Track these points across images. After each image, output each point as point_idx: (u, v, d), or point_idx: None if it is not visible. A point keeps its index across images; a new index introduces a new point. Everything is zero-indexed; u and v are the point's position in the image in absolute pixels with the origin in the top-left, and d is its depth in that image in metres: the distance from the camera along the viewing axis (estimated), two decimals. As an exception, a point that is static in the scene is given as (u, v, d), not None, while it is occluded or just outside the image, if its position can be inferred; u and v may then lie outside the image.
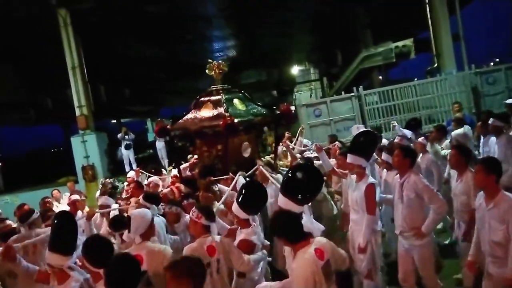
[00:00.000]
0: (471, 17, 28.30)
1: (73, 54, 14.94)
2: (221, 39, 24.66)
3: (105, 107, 20.81)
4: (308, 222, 3.69)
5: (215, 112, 6.50)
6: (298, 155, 7.10)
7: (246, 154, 6.51)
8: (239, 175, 5.41)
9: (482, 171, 3.67)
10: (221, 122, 6.07)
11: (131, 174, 9.12)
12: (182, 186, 6.25)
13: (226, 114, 6.24)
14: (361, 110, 13.18)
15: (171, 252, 3.80)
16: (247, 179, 5.43)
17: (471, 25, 26.00)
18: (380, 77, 22.72)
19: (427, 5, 15.01)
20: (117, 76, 25.70)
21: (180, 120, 6.81)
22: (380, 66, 20.36)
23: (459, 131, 7.48)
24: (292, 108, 10.11)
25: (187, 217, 4.51)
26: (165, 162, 14.84)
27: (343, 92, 14.73)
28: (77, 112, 15.29)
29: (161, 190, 6.84)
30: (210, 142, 6.62)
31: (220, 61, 7.14)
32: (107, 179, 9.03)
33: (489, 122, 6.44)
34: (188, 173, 7.24)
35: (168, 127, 6.82)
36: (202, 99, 6.89)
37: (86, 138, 15.27)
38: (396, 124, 8.09)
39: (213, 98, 6.74)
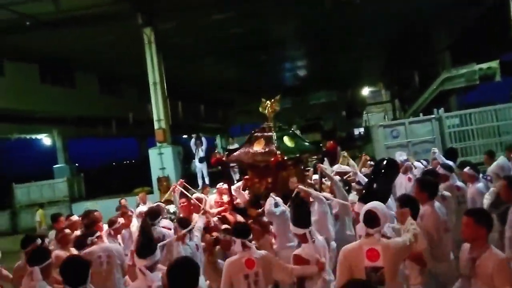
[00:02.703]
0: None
1: (155, 71, 15.66)
2: (293, 59, 24.96)
3: (181, 122, 21.68)
4: None
5: (266, 148, 7.15)
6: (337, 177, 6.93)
7: (293, 185, 6.78)
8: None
9: None
10: (272, 159, 6.69)
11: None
12: (234, 214, 6.69)
13: (277, 151, 6.84)
14: (441, 132, 12.74)
15: None
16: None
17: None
18: (458, 101, 21.82)
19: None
20: (194, 93, 26.70)
21: (235, 153, 7.54)
22: (459, 90, 19.64)
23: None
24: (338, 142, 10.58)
25: None
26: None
27: (421, 114, 14.31)
28: (156, 126, 15.93)
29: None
30: (261, 174, 7.28)
31: (272, 100, 7.61)
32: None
33: None
34: (242, 192, 7.61)
35: (223, 159, 7.54)
36: (256, 134, 7.56)
37: (163, 150, 15.86)
38: (437, 151, 7.74)
39: (265, 134, 7.40)
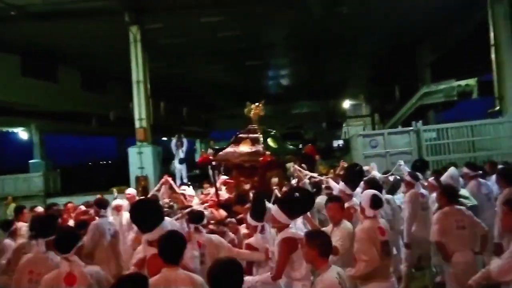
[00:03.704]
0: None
1: (139, 69, 15.64)
2: (279, 67, 25.17)
3: (162, 123, 21.58)
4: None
5: (253, 148, 7.42)
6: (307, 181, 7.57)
7: (274, 185, 7.25)
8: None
9: None
10: (261, 159, 6.96)
11: (130, 191, 8.70)
12: (221, 210, 6.95)
13: (266, 152, 7.15)
14: (419, 145, 13.04)
15: None
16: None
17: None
18: (436, 117, 22.35)
19: (493, 47, 14.79)
20: (177, 95, 26.59)
21: (221, 153, 7.74)
22: (438, 105, 20.11)
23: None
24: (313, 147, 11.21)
25: (231, 234, 5.59)
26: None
27: (399, 126, 14.64)
28: (137, 124, 15.88)
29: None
30: (246, 174, 7.54)
31: (257, 104, 7.91)
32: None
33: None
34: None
35: (210, 157, 7.78)
36: (241, 135, 7.79)
37: (143, 150, 15.80)
38: (403, 163, 8.13)
39: (251, 135, 7.66)
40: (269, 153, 7.10)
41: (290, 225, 4.37)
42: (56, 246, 3.90)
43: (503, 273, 3.72)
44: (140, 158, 15.81)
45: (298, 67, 25.03)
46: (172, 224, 5.15)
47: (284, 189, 6.78)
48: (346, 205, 5.33)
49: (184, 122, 30.78)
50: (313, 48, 19.98)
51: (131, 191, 8.76)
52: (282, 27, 17.37)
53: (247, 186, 7.45)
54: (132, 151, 15.98)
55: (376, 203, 4.41)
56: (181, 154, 16.02)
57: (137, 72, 15.66)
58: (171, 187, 8.00)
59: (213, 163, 7.85)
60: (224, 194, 7.72)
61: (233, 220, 6.07)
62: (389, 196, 6.32)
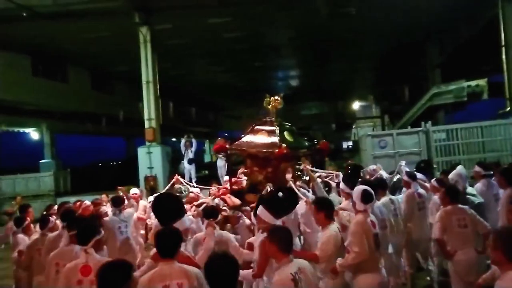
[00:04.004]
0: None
1: (149, 70, 15.70)
2: (286, 68, 25.16)
3: (171, 123, 21.66)
4: None
5: (269, 140, 7.47)
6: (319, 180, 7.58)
7: (287, 177, 7.24)
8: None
9: None
10: (277, 150, 7.04)
11: (135, 191, 8.90)
12: (232, 197, 7.20)
13: (282, 144, 7.20)
14: (428, 145, 12.96)
15: None
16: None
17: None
18: (446, 118, 22.19)
19: (503, 48, 14.66)
20: (186, 95, 26.66)
21: (237, 142, 7.81)
22: (448, 107, 19.95)
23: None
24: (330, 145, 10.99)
25: (247, 220, 5.80)
26: (223, 180, 15.11)
27: (409, 127, 14.56)
28: (146, 125, 15.95)
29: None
30: (261, 164, 7.59)
31: (276, 97, 7.97)
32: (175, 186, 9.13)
33: None
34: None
35: (226, 146, 7.84)
36: (258, 127, 7.85)
37: (152, 149, 15.87)
38: (403, 163, 8.03)
39: (267, 127, 7.72)
40: (285, 145, 7.18)
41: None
42: (76, 238, 4.18)
43: None
44: (149, 158, 15.87)
45: (306, 68, 25.01)
46: (192, 221, 5.41)
47: (298, 183, 6.95)
48: (345, 203, 5.70)
49: (192, 122, 30.88)
50: (320, 49, 19.96)
51: (136, 191, 8.93)
52: (289, 28, 17.37)
53: (260, 177, 7.53)
54: (141, 151, 16.05)
55: (366, 197, 4.60)
56: (190, 154, 16.06)
57: (147, 72, 15.71)
58: (181, 185, 8.31)
59: (228, 151, 7.92)
60: (244, 183, 8.03)
61: (248, 208, 6.19)
62: (393, 196, 6.33)
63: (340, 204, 5.91)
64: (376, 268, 4.53)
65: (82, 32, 16.12)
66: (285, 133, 7.80)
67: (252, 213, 5.48)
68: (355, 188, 4.88)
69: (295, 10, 15.38)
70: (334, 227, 4.56)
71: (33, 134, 23.91)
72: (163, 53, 16.49)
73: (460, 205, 5.28)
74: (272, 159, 7.27)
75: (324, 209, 4.62)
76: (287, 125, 8.23)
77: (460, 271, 5.03)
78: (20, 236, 6.30)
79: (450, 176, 7.04)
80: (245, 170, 8.15)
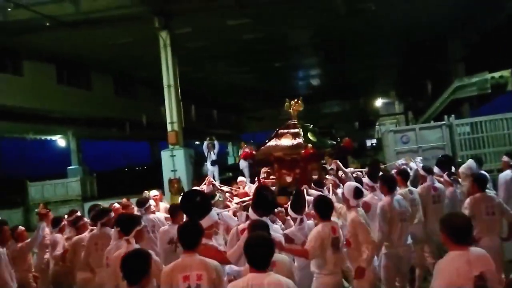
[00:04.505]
0: None
1: (170, 73, 15.87)
2: (307, 67, 25.09)
3: (193, 126, 21.83)
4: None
5: (294, 142, 7.77)
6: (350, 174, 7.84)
7: (315, 176, 7.65)
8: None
9: None
10: (303, 151, 7.35)
11: (155, 192, 8.88)
12: None
13: (308, 145, 7.48)
14: (452, 139, 12.71)
15: None
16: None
17: None
18: (471, 112, 21.73)
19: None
20: (207, 98, 26.86)
21: (263, 147, 8.17)
22: (472, 100, 19.52)
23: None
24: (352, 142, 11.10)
25: (280, 223, 5.73)
26: (247, 180, 15.19)
27: (432, 121, 14.32)
28: (169, 128, 16.11)
29: None
30: (288, 167, 7.88)
31: (296, 100, 8.27)
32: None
33: None
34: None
35: (253, 152, 8.30)
36: (282, 131, 8.13)
37: (175, 152, 16.02)
38: (419, 159, 8.41)
39: (291, 130, 8.01)
40: (310, 146, 7.44)
41: None
42: (120, 229, 4.62)
43: None
44: (173, 161, 16.03)
45: (326, 67, 24.90)
46: (224, 215, 5.50)
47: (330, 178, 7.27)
48: (369, 196, 6.13)
49: (215, 125, 31.07)
50: (340, 47, 19.83)
51: (156, 192, 8.99)
52: (308, 27, 17.34)
53: (289, 179, 7.80)
54: (164, 154, 16.23)
55: (357, 194, 5.03)
56: (213, 156, 16.24)
57: (168, 76, 15.89)
58: (214, 186, 8.63)
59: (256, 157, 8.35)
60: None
61: (282, 209, 6.25)
62: (412, 188, 6.55)
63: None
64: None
65: (103, 39, 16.49)
66: (309, 134, 8.08)
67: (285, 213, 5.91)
68: (346, 185, 5.27)
69: (313, 9, 15.30)
70: (328, 224, 4.65)
71: (60, 141, 24.50)
72: (183, 57, 16.66)
73: (488, 193, 5.53)
74: (299, 160, 7.58)
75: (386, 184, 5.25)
76: (309, 126, 8.51)
77: None
78: (58, 235, 6.80)
79: (461, 170, 7.27)
80: (268, 170, 8.51)
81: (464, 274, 3.10)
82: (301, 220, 5.07)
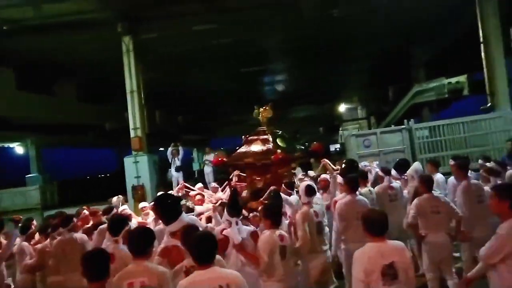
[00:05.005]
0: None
1: (133, 79, 15.67)
2: (275, 73, 25.23)
3: (159, 132, 21.57)
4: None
5: (264, 148, 7.96)
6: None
7: (285, 180, 7.84)
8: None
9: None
10: (273, 157, 7.56)
11: (144, 204, 9.30)
12: None
13: (277, 150, 7.71)
14: (411, 143, 13.12)
15: None
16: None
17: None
18: (431, 117, 22.43)
19: (482, 44, 14.90)
20: (174, 103, 26.56)
21: (234, 154, 8.35)
22: (432, 105, 20.17)
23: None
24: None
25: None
26: (211, 186, 15.15)
27: (393, 125, 14.73)
28: (132, 134, 15.91)
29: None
30: (259, 172, 8.06)
31: (265, 107, 8.44)
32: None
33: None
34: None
35: (224, 159, 8.46)
36: (251, 137, 8.32)
37: (138, 159, 15.80)
38: (375, 164, 9.10)
39: (261, 137, 8.20)
40: (280, 151, 7.68)
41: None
42: (109, 231, 4.83)
43: (489, 256, 3.82)
44: (136, 168, 15.83)
45: (294, 72, 25.12)
46: (191, 219, 5.48)
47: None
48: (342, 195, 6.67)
49: (183, 130, 30.77)
50: (308, 53, 20.07)
51: (145, 204, 9.39)
52: (275, 33, 17.46)
53: (260, 184, 7.98)
54: (127, 161, 16.00)
55: (310, 192, 5.84)
56: (177, 162, 16.18)
57: (131, 81, 15.69)
58: (188, 189, 9.04)
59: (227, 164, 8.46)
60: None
61: (256, 213, 6.37)
62: (371, 188, 7.29)
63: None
64: (320, 249, 5.75)
65: (66, 43, 16.09)
66: (278, 139, 8.27)
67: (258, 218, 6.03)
68: (301, 184, 6.18)
69: (281, 15, 15.48)
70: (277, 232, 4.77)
71: (18, 148, 23.72)
72: (151, 62, 16.51)
73: (435, 194, 5.99)
74: (269, 165, 7.78)
75: (270, 217, 4.90)
76: (278, 132, 8.70)
77: (430, 251, 5.73)
78: (25, 243, 6.81)
79: (408, 172, 7.79)
80: (240, 174, 8.64)
81: (374, 262, 3.56)
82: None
